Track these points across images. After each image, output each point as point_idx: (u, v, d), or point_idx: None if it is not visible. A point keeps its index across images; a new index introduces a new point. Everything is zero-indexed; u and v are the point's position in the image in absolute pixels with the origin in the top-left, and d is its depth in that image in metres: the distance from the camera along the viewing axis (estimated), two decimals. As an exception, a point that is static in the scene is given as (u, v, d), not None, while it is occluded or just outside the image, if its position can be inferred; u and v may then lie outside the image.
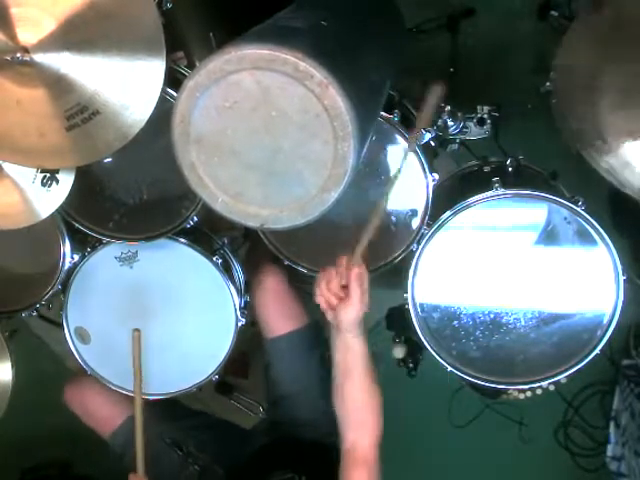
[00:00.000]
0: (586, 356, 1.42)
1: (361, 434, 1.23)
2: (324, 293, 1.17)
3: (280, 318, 1.65)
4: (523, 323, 1.45)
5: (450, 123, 1.63)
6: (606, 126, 1.24)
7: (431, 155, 1.64)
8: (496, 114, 1.68)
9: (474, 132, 1.68)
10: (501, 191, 1.39)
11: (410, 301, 1.45)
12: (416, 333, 1.46)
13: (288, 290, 1.67)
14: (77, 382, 1.69)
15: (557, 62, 1.26)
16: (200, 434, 1.68)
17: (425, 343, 1.45)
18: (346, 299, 1.16)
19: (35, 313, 1.62)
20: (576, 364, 1.43)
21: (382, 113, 1.37)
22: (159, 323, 1.60)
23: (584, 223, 1.37)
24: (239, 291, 1.63)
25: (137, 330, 1.55)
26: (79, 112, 1.14)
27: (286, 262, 1.53)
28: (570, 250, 1.41)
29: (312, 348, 1.65)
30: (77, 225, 1.48)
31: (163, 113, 1.11)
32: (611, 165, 1.25)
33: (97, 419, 1.67)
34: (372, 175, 1.45)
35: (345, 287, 1.16)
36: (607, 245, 1.37)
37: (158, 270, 1.57)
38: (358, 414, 1.23)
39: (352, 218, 1.47)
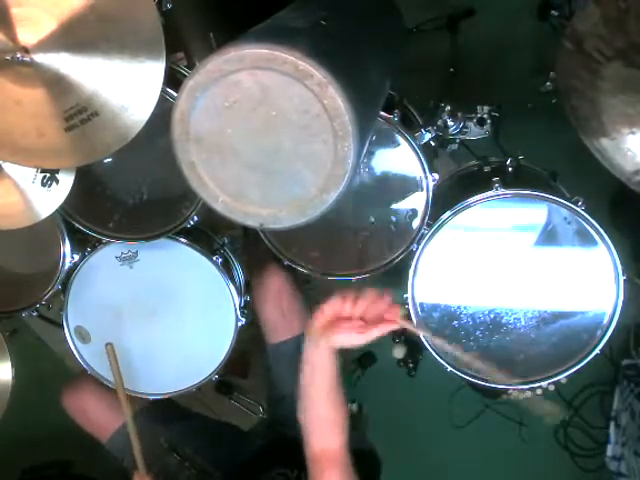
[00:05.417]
0: (586, 356, 1.42)
1: (327, 440, 1.19)
2: (353, 314, 1.08)
3: (284, 322, 1.63)
4: (523, 323, 1.45)
5: (450, 123, 1.63)
6: (605, 108, 1.24)
7: (431, 155, 1.64)
8: (496, 114, 1.68)
9: (474, 132, 1.68)
10: (501, 191, 1.39)
11: (410, 301, 1.45)
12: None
13: (292, 291, 1.65)
14: (75, 387, 1.69)
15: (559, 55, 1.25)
16: (198, 436, 1.67)
17: (425, 343, 1.45)
18: (363, 328, 1.08)
19: (35, 313, 1.62)
20: (576, 364, 1.43)
21: (382, 113, 1.37)
22: (159, 323, 1.60)
23: (584, 223, 1.37)
24: (239, 291, 1.63)
25: (109, 344, 1.45)
26: (78, 113, 1.14)
27: (286, 262, 1.53)
28: (570, 250, 1.41)
29: None
30: (77, 225, 1.48)
31: (163, 113, 1.11)
32: (603, 146, 1.25)
33: (95, 424, 1.66)
34: (371, 175, 1.45)
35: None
36: (607, 245, 1.37)
37: (158, 270, 1.57)
38: (323, 424, 1.19)
39: (352, 218, 1.47)
